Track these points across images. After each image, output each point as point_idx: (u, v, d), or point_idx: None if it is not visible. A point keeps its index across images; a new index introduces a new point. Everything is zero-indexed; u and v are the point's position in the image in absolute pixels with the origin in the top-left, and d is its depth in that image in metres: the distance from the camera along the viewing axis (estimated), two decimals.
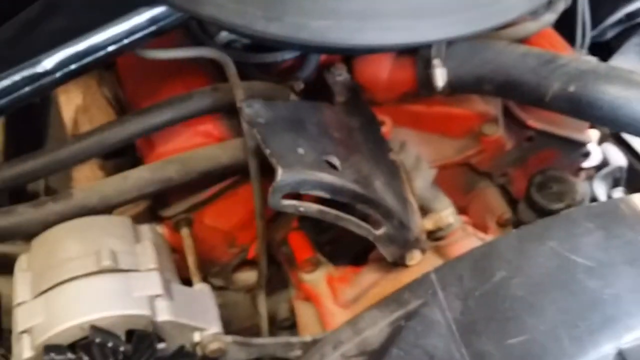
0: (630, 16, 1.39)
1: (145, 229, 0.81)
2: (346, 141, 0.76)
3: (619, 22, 1.40)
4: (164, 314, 0.71)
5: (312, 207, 0.68)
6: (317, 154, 0.69)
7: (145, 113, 0.80)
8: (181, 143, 0.84)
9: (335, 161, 0.69)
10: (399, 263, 0.80)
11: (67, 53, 0.75)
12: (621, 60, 1.37)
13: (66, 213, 0.77)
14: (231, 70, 0.81)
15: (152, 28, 0.78)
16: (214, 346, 0.75)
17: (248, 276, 1.01)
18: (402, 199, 0.76)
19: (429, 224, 0.80)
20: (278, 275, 0.98)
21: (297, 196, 0.69)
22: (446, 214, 0.81)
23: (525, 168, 1.01)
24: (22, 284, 0.73)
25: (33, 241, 0.78)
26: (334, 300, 0.87)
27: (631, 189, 1.14)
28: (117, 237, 0.76)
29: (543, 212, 0.96)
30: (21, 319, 0.69)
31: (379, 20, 0.72)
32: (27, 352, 0.68)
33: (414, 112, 0.93)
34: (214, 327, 0.76)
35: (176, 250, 0.89)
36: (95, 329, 0.67)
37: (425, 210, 0.82)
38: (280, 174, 0.64)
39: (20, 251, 0.79)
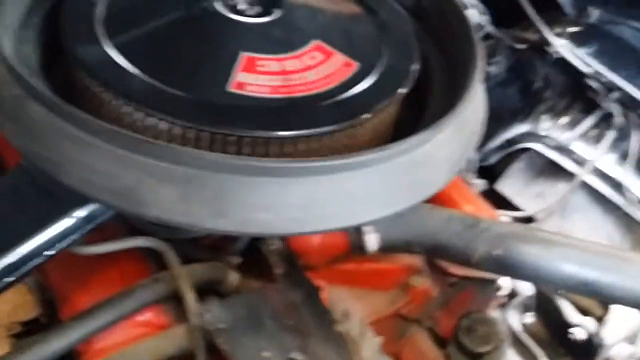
0: (510, 142, 1.53)
1: None
2: (299, 326, 0.77)
3: (501, 147, 1.54)
4: None
5: None
6: (281, 353, 0.69)
7: (86, 317, 0.77)
8: (121, 336, 0.81)
9: (299, 357, 0.70)
10: None
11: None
12: (507, 184, 1.49)
13: None
14: (172, 259, 0.81)
15: (89, 226, 0.77)
16: None
17: None
18: None
19: None
20: None
21: None
22: None
23: (449, 309, 1.07)
24: None
25: None
26: None
27: (541, 313, 1.23)
28: None
29: (472, 355, 1.01)
30: None
31: (319, 208, 0.75)
32: None
33: (345, 270, 0.96)
34: None
35: None
36: None
37: None
38: None
39: None
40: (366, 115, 0.85)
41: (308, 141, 0.83)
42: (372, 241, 0.89)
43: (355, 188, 0.76)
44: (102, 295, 0.82)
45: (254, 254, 0.92)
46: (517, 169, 1.50)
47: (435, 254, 0.89)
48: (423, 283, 0.99)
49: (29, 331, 0.96)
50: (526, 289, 1.19)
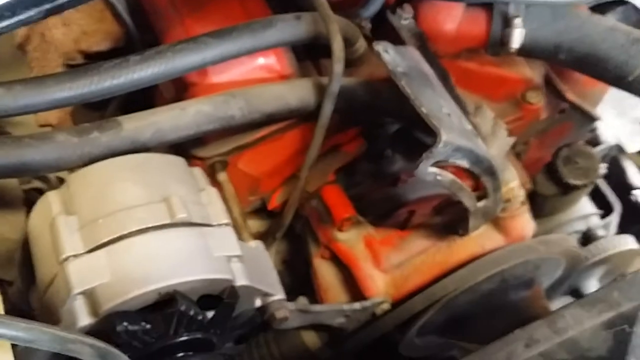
0: None
1: (198, 172, 0.68)
2: (454, 101, 0.68)
3: None
4: (241, 278, 0.61)
5: (448, 177, 0.61)
6: (457, 117, 0.61)
7: (223, 35, 0.66)
8: (239, 75, 0.72)
9: (469, 127, 0.62)
10: (458, 233, 0.76)
11: None
12: None
13: (114, 147, 0.63)
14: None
15: None
16: (280, 314, 0.66)
17: (252, 225, 0.92)
18: None
19: None
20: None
21: None
22: (515, 185, 0.77)
23: (543, 138, 1.00)
24: (67, 231, 0.58)
25: (70, 177, 0.62)
26: (375, 264, 0.81)
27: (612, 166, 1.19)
28: (180, 182, 0.63)
29: (565, 186, 0.97)
30: (77, 278, 0.56)
31: None
32: (85, 319, 0.55)
33: (465, 69, 0.87)
34: (279, 293, 0.67)
35: None
36: (179, 295, 0.56)
37: None
38: (443, 140, 0.56)
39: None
40: None
41: None
42: (518, 35, 0.80)
43: None
44: (218, 25, 0.71)
45: (384, 26, 0.81)
46: None
47: (585, 65, 0.80)
48: (539, 101, 0.91)
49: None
50: (609, 138, 1.14)
